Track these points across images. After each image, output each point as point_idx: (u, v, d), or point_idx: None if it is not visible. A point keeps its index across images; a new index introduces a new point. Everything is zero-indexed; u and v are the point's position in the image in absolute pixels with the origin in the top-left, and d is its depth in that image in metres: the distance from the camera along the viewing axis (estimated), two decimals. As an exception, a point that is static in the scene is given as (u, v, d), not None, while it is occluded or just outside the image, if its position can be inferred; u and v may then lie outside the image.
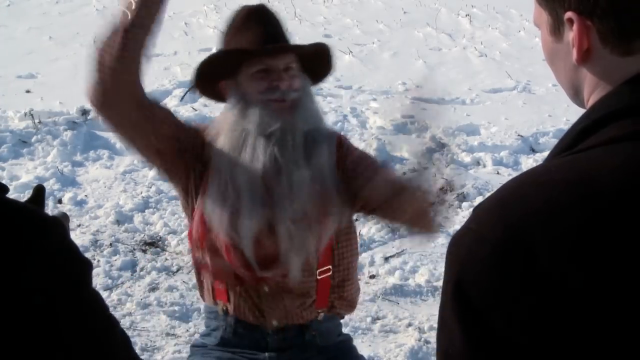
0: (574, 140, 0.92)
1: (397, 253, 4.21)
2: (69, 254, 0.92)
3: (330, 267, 2.05)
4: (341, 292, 2.09)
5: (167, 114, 2.04)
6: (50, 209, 4.49)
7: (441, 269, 4.06)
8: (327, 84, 6.72)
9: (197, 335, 3.27)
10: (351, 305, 2.16)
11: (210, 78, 2.00)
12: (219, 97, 2.05)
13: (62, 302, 0.90)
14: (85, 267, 0.95)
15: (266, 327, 2.04)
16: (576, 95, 0.99)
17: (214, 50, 8.06)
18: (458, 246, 0.91)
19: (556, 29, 0.97)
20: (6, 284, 0.85)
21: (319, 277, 2.04)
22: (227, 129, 1.95)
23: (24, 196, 4.69)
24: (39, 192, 0.98)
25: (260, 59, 1.90)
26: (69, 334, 0.91)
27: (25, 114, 5.78)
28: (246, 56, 1.92)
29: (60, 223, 0.92)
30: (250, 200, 1.90)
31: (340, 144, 2.05)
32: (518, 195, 0.89)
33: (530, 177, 0.92)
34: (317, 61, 2.03)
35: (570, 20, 0.93)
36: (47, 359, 0.89)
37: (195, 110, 6.13)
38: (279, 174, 1.89)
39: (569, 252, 0.83)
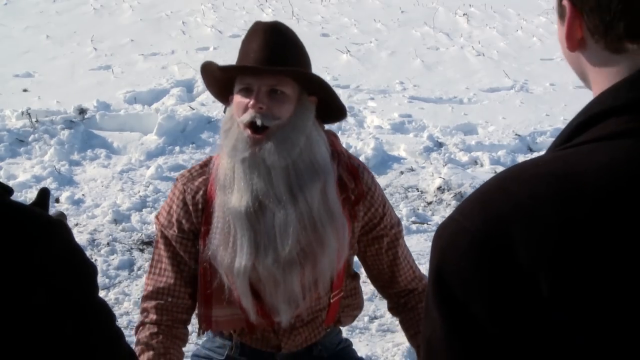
0: (569, 135, 0.92)
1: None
2: (75, 257, 0.91)
3: (342, 287, 2.04)
4: (347, 306, 2.10)
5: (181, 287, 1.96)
6: (47, 208, 4.48)
7: (439, 268, 4.05)
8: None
9: (196, 339, 3.25)
10: (353, 317, 2.17)
11: (223, 91, 1.91)
12: None
13: (67, 306, 0.90)
14: (90, 270, 0.94)
15: (277, 353, 2.05)
16: (585, 81, 0.99)
17: (212, 50, 8.05)
18: (441, 236, 0.92)
19: (560, 13, 0.97)
20: (10, 287, 0.85)
21: (331, 301, 2.03)
22: (225, 152, 1.86)
23: (22, 195, 4.69)
24: (44, 195, 0.98)
25: (242, 77, 1.80)
26: (71, 340, 0.90)
27: (23, 113, 5.77)
28: (227, 73, 1.82)
29: (66, 226, 0.91)
30: (240, 241, 1.81)
31: (357, 178, 1.95)
32: (501, 187, 0.90)
33: (516, 170, 0.92)
34: (321, 90, 1.86)
35: (565, 7, 0.94)
36: None
37: (193, 109, 6.13)
38: (263, 213, 1.80)
39: (544, 248, 0.83)
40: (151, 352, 1.86)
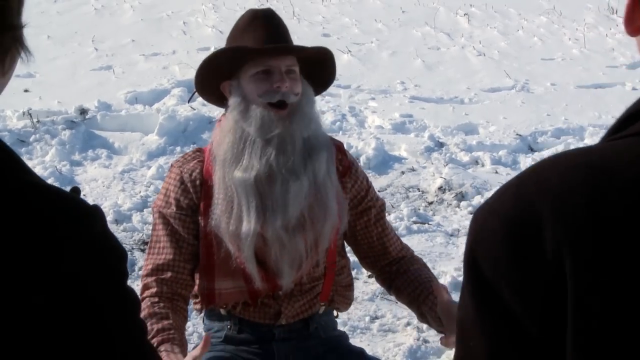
0: (617, 128, 0.93)
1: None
2: (111, 242, 0.94)
3: (335, 260, 2.11)
4: (340, 285, 2.15)
5: (183, 270, 2.02)
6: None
7: (439, 268, 4.06)
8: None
9: (195, 335, 3.26)
10: (347, 302, 2.22)
11: (212, 78, 2.00)
12: (219, 99, 2.05)
13: (105, 291, 0.92)
14: (123, 256, 0.96)
15: (274, 324, 2.09)
16: None
17: (213, 50, 8.08)
18: (475, 219, 0.94)
19: None
20: (48, 268, 0.87)
21: (326, 271, 2.09)
22: (228, 131, 1.95)
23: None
24: (76, 194, 1.01)
25: (261, 60, 1.90)
26: (111, 324, 0.92)
27: (24, 113, 5.78)
28: (248, 55, 1.91)
29: (101, 212, 0.94)
30: (245, 207, 1.91)
31: (343, 152, 2.10)
32: (536, 174, 0.91)
33: (553, 159, 0.93)
34: (319, 66, 2.03)
35: None
36: (93, 351, 0.90)
37: (194, 109, 6.13)
38: (273, 181, 1.90)
39: (571, 235, 0.84)
40: (153, 319, 1.89)
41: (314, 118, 1.96)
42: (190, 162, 2.03)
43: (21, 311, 0.86)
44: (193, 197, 1.99)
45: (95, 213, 0.93)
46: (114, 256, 0.95)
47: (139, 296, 1.97)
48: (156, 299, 1.94)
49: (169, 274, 1.96)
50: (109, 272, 0.93)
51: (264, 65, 1.90)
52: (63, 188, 0.96)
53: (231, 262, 1.96)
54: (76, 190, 1.00)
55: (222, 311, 2.10)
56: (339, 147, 2.09)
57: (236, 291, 2.02)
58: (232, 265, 1.96)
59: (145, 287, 1.98)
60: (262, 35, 1.91)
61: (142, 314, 1.90)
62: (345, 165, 2.08)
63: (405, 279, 2.13)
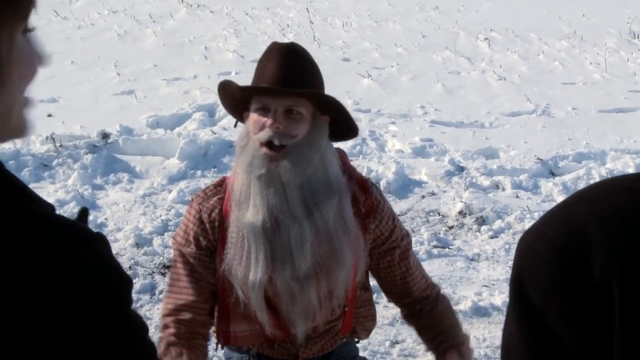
0: None
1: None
2: (116, 269, 0.94)
3: (356, 295, 2.07)
4: (361, 316, 2.13)
5: (202, 301, 2.00)
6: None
7: (460, 292, 4.03)
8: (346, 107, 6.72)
9: (215, 359, 3.26)
10: (367, 331, 2.19)
11: (235, 107, 1.96)
12: None
13: (110, 318, 0.92)
14: (124, 285, 0.97)
15: None
16: None
17: (234, 74, 8.12)
18: (522, 242, 0.94)
19: None
20: (53, 299, 0.87)
21: (346, 309, 2.05)
22: (238, 166, 1.91)
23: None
24: (84, 215, 1.01)
25: (261, 97, 1.83)
26: (117, 349, 0.93)
27: (47, 137, 5.84)
28: (246, 92, 1.86)
29: (104, 240, 0.95)
30: (254, 255, 1.85)
31: (367, 192, 2.00)
32: (586, 199, 0.91)
33: (603, 184, 0.93)
34: (335, 111, 1.90)
35: None
36: None
37: (215, 134, 6.17)
38: (279, 228, 1.83)
39: (620, 260, 0.83)
40: (168, 357, 1.89)
41: (312, 163, 1.83)
42: (210, 199, 1.96)
43: (26, 342, 0.86)
44: (211, 238, 1.94)
45: (100, 241, 0.94)
46: (119, 283, 0.95)
47: (159, 334, 1.97)
48: (173, 339, 1.93)
49: (188, 315, 1.95)
50: (114, 298, 0.93)
51: (261, 103, 1.83)
52: (68, 216, 0.96)
53: (244, 307, 1.93)
54: (85, 212, 1.00)
55: (243, 346, 2.10)
56: (363, 186, 1.99)
57: (252, 334, 2.01)
58: (245, 310, 1.93)
59: (164, 327, 1.97)
60: (270, 73, 1.82)
61: (157, 354, 1.91)
62: (369, 206, 1.97)
63: (427, 322, 2.08)
